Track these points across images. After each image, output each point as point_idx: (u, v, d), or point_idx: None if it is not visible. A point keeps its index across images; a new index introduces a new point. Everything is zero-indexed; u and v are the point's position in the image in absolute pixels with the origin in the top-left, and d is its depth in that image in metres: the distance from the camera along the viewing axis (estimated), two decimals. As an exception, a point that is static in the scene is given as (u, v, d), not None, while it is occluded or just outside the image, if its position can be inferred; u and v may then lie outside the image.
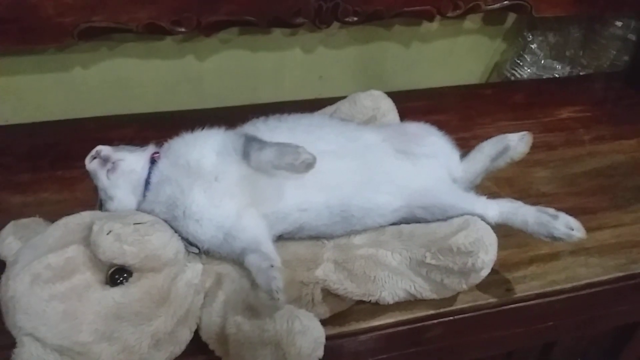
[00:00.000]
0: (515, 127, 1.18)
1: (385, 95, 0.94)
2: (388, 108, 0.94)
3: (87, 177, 0.99)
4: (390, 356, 0.85)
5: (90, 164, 0.75)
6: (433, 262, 0.75)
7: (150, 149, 0.79)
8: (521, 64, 1.36)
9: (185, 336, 0.70)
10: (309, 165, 0.70)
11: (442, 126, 1.18)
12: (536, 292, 0.85)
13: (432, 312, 0.81)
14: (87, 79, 1.14)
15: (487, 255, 0.74)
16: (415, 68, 1.33)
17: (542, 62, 1.37)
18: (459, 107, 1.25)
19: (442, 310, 0.81)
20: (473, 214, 0.78)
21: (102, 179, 0.74)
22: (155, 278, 0.68)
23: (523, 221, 0.78)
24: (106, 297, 0.66)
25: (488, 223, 0.77)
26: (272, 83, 1.26)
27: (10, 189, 0.96)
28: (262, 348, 0.64)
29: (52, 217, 0.85)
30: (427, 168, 0.83)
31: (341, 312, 0.78)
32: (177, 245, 0.71)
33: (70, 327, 0.64)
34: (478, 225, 0.76)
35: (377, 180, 0.79)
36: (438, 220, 0.79)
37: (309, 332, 0.64)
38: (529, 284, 0.85)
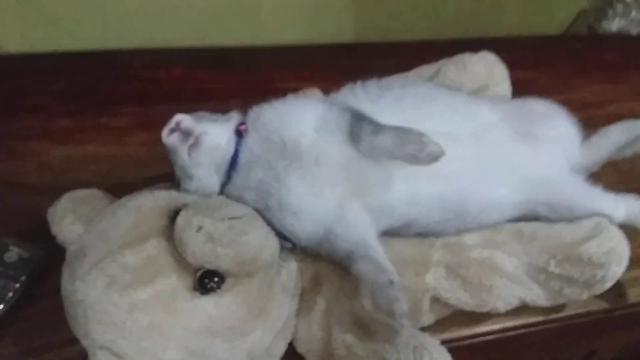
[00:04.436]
0: (612, 91, 1.06)
1: (499, 61, 0.80)
2: (502, 76, 0.80)
3: (135, 127, 0.87)
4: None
5: (169, 138, 0.62)
6: (557, 270, 0.66)
7: (235, 118, 0.66)
8: (610, 15, 1.20)
9: (281, 350, 0.61)
10: (434, 158, 0.58)
11: (529, 86, 1.05)
12: (652, 296, 0.76)
13: (540, 318, 0.72)
14: (127, 2, 0.98)
15: (619, 267, 0.66)
16: (488, 9, 1.17)
17: (633, 13, 1.21)
18: (545, 63, 1.11)
19: (550, 317, 0.73)
20: (601, 214, 0.69)
21: (183, 156, 0.62)
22: (251, 284, 0.58)
23: None
24: (197, 309, 0.55)
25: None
26: (335, 19, 1.10)
27: (49, 137, 0.84)
28: (383, 383, 0.55)
29: (102, 177, 0.77)
30: (548, 154, 0.72)
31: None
32: (275, 243, 0.60)
33: (155, 344, 0.54)
34: (612, 232, 0.67)
35: (497, 169, 0.68)
36: (562, 219, 0.69)
37: (441, 368, 0.55)
38: (641, 288, 0.77)
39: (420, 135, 0.59)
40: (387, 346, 0.56)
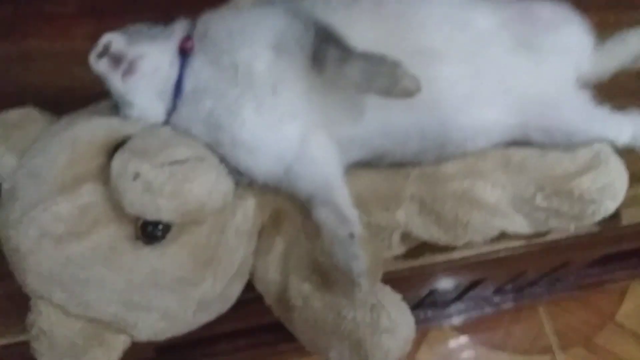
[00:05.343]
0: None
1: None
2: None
3: (84, 15, 0.77)
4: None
5: (98, 65, 0.52)
6: (543, 204, 0.60)
7: (179, 31, 0.56)
8: None
9: (237, 291, 0.58)
10: (408, 94, 0.49)
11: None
12: (647, 220, 0.71)
13: (521, 243, 0.68)
14: None
15: (613, 202, 0.60)
16: None
17: None
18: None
19: (533, 242, 0.68)
20: (603, 140, 0.61)
21: (116, 84, 0.53)
22: (200, 232, 0.53)
23: None
24: (140, 261, 0.51)
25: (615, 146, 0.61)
26: None
27: (-15, 30, 0.74)
28: (338, 340, 0.52)
29: (43, 77, 0.71)
30: (554, 68, 0.61)
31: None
32: (226, 186, 0.53)
33: (96, 299, 0.51)
34: (611, 164, 0.60)
35: (489, 89, 0.59)
36: (558, 145, 0.61)
37: (398, 331, 0.51)
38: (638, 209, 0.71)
39: (394, 66, 0.49)
40: (344, 301, 0.52)
